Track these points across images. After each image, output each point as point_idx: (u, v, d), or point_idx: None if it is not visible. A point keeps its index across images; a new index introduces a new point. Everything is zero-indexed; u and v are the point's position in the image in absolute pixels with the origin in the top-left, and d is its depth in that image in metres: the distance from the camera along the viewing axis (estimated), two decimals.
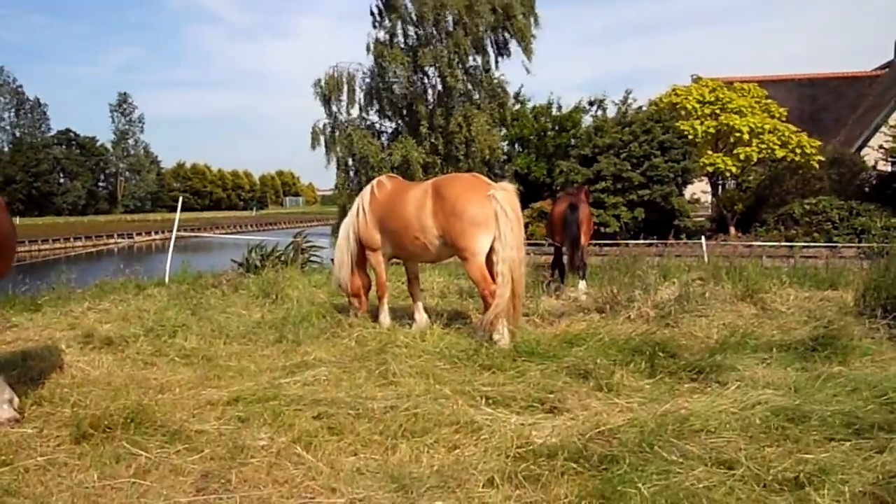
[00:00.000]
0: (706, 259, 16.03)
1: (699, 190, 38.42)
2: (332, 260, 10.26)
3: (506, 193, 8.37)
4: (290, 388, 6.58)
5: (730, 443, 4.88)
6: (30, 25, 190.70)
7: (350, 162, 42.14)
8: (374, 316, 9.80)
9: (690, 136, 32.84)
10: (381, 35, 42.50)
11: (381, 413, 5.68)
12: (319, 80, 42.08)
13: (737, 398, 5.81)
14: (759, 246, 23.93)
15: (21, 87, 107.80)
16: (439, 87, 40.98)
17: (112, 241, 58.76)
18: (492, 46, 42.67)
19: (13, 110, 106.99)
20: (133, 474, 4.75)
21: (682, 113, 33.80)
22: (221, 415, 5.89)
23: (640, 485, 4.12)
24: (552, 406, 5.95)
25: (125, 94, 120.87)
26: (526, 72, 43.97)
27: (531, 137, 42.20)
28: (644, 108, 36.10)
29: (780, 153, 32.04)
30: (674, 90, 35.20)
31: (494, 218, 8.20)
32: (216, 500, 4.38)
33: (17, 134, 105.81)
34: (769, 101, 34.69)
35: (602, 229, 31.67)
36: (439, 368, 7.10)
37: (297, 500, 4.39)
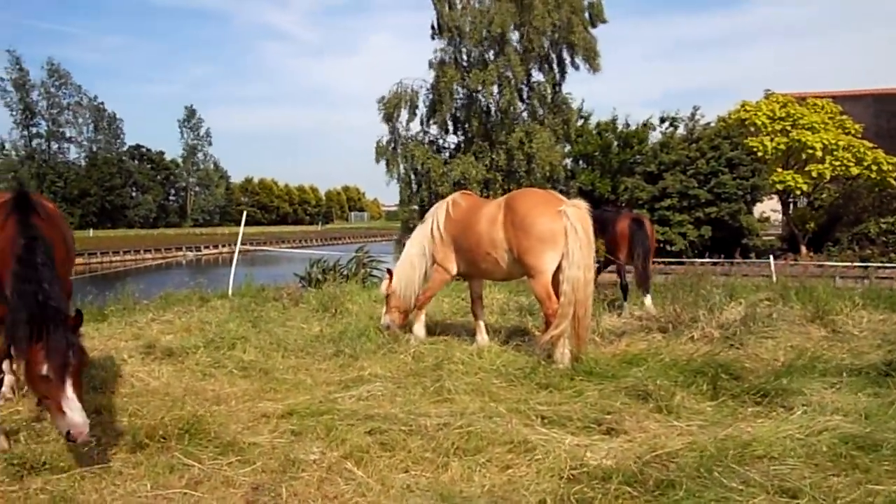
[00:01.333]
0: (774, 279, 15.60)
1: (769, 208, 37.52)
2: (388, 272, 10.10)
3: (577, 211, 8.20)
4: (345, 403, 6.58)
5: (794, 470, 4.68)
6: (107, 46, 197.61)
7: (413, 177, 42.36)
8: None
9: (760, 153, 32.16)
10: (441, 52, 42.77)
11: (434, 430, 5.62)
12: (384, 97, 42.54)
13: (803, 424, 5.57)
14: (832, 266, 23.22)
15: (102, 103, 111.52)
16: (500, 102, 40.89)
17: (180, 253, 60.14)
18: (555, 62, 42.45)
19: (92, 126, 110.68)
20: (185, 485, 4.79)
21: (752, 129, 33.13)
22: (275, 428, 5.92)
23: None
24: (609, 427, 5.81)
25: (192, 108, 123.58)
26: (590, 86, 43.69)
27: (595, 154, 41.85)
28: (712, 125, 35.48)
29: (854, 170, 31.15)
30: (743, 106, 34.56)
31: (563, 235, 8.05)
32: None
33: (94, 149, 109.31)
34: (843, 116, 33.77)
35: (667, 247, 31.16)
36: (495, 386, 7.03)
37: None
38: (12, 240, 5.21)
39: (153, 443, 5.41)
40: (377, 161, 42.62)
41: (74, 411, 4.73)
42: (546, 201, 8.48)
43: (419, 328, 9.50)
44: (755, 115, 33.06)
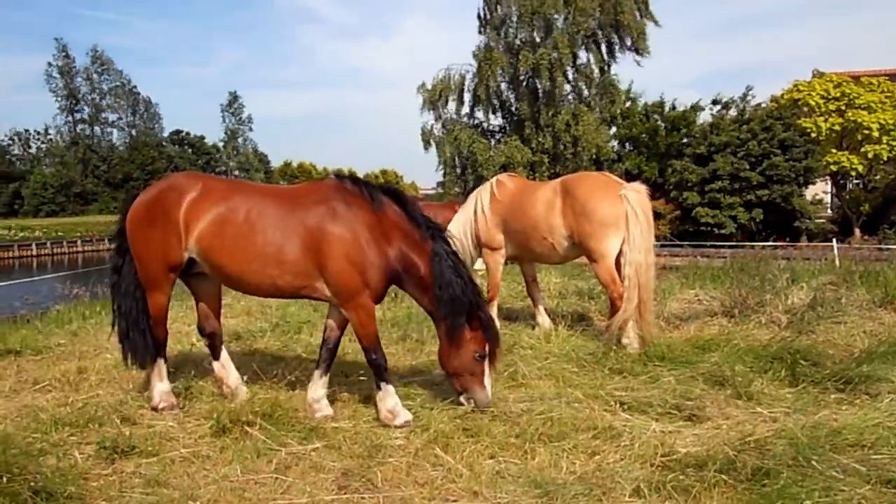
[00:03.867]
0: (837, 262, 15.27)
1: (820, 190, 36.79)
2: None
3: (638, 195, 8.11)
4: (420, 388, 6.58)
5: (894, 460, 4.55)
6: (146, 31, 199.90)
7: (457, 160, 42.32)
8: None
9: (813, 134, 31.46)
10: (487, 36, 42.58)
11: (515, 416, 5.60)
12: (424, 84, 42.67)
13: (892, 411, 5.45)
14: (888, 249, 22.65)
15: (136, 87, 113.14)
16: (547, 85, 40.55)
17: None
18: (603, 43, 41.95)
19: (130, 110, 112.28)
20: (275, 470, 4.83)
21: (805, 109, 32.41)
22: (354, 413, 5.95)
23: (806, 501, 3.89)
24: (691, 413, 5.73)
25: (235, 93, 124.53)
26: (637, 66, 43.23)
27: (642, 136, 41.36)
28: (763, 105, 34.80)
29: None
30: (796, 86, 33.82)
31: (625, 219, 7.97)
32: (359, 498, 4.38)
33: (134, 133, 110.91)
34: None
35: (716, 230, 30.76)
36: (568, 371, 6.96)
37: (439, 501, 4.36)
38: (416, 227, 5.79)
39: (237, 427, 5.46)
40: (425, 148, 42.77)
41: (489, 387, 5.74)
42: (606, 185, 8.38)
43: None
44: (808, 95, 32.33)
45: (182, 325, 10.23)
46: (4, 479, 4.17)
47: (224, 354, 6.49)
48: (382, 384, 5.73)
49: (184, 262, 5.98)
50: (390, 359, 7.83)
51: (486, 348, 5.72)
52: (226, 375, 6.41)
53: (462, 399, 5.79)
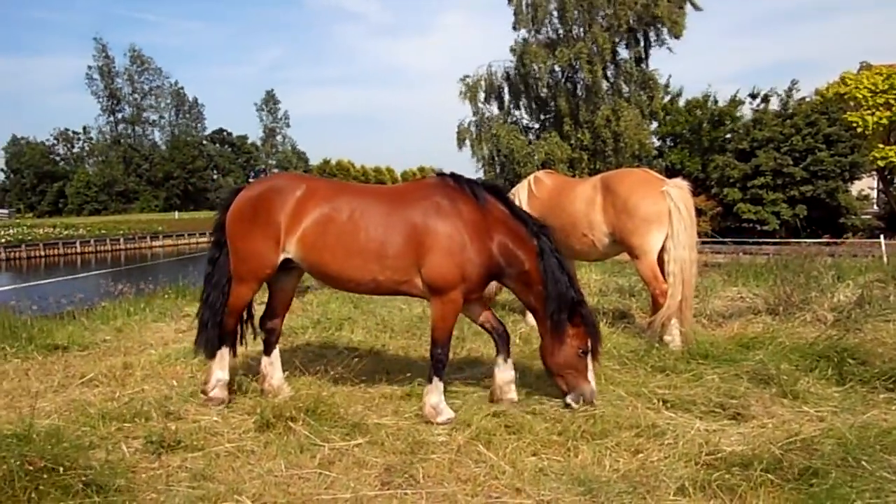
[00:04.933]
0: (885, 259, 14.96)
1: (866, 186, 36.01)
2: None
3: (680, 191, 8.05)
4: (461, 385, 6.59)
5: None
6: (187, 30, 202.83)
7: (496, 157, 42.17)
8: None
9: (860, 129, 30.79)
10: (524, 32, 42.41)
11: (557, 414, 5.58)
12: (465, 77, 42.52)
13: None
14: None
15: (182, 88, 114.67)
16: (587, 81, 40.22)
17: None
18: (642, 37, 41.47)
19: (173, 110, 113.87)
20: (318, 465, 4.86)
21: (851, 103, 31.71)
22: (397, 409, 5.96)
23: (856, 502, 3.81)
24: (735, 412, 5.66)
25: (272, 91, 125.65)
26: (676, 60, 42.75)
27: (684, 132, 40.85)
28: (808, 99, 34.15)
29: None
30: (842, 79, 33.11)
31: (668, 215, 7.90)
32: (402, 494, 4.39)
33: (175, 132, 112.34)
34: None
35: (758, 227, 30.31)
36: (609, 369, 6.91)
37: (482, 498, 4.34)
38: (522, 225, 5.94)
39: (280, 422, 5.50)
40: (459, 146, 42.66)
41: (593, 381, 5.84)
42: (647, 182, 8.31)
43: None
44: (856, 88, 31.63)
45: None
46: (57, 472, 4.25)
47: (275, 352, 6.55)
48: (435, 379, 5.79)
49: (278, 263, 6.07)
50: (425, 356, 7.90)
51: (589, 344, 5.83)
52: (271, 373, 6.47)
53: (569, 400, 5.81)
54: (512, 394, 6.04)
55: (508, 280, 6.01)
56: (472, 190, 5.93)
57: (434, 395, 5.74)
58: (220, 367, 6.30)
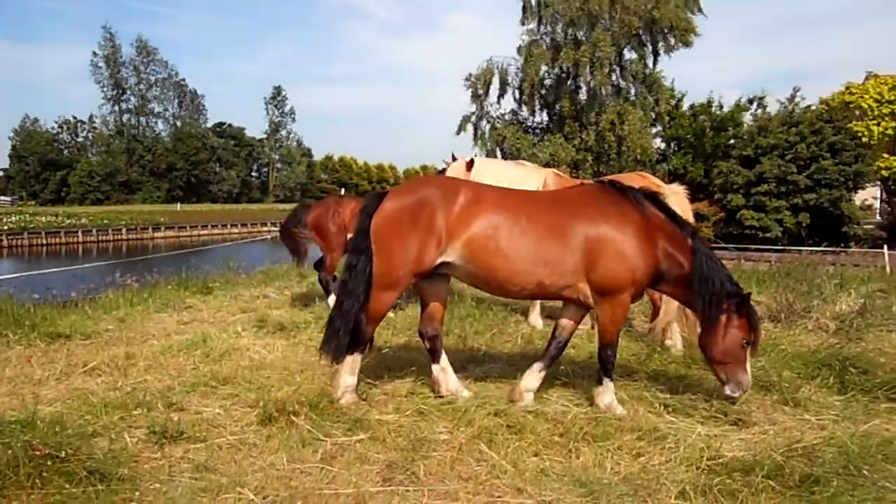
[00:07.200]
0: (888, 269, 14.96)
1: (870, 196, 36.02)
2: None
3: (676, 196, 8.03)
4: (463, 383, 6.58)
5: None
6: (195, 24, 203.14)
7: (499, 155, 42.19)
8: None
9: (865, 138, 30.78)
10: (530, 33, 42.44)
11: (559, 415, 5.59)
12: (471, 74, 42.55)
13: None
14: None
15: (184, 80, 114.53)
16: (591, 83, 40.23)
17: (265, 229, 61.12)
18: (648, 40, 41.45)
19: (176, 101, 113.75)
20: (320, 459, 4.87)
21: (857, 113, 31.70)
22: (399, 406, 5.96)
23: None
24: (737, 418, 5.69)
25: (279, 87, 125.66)
26: (683, 66, 42.78)
27: (688, 137, 40.84)
28: (813, 107, 34.13)
29: None
30: (847, 88, 33.10)
31: None
32: (403, 491, 4.40)
33: (179, 124, 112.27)
34: None
35: (761, 234, 30.32)
36: None
37: (483, 497, 4.36)
38: (678, 227, 6.07)
39: (282, 416, 5.51)
40: (458, 132, 42.84)
41: (749, 372, 5.96)
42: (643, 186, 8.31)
43: (535, 318, 9.49)
44: (861, 97, 31.63)
45: (225, 314, 10.38)
46: (60, 460, 4.26)
47: (444, 358, 6.40)
48: (605, 380, 5.92)
49: (434, 266, 5.98)
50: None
51: (753, 336, 5.92)
52: (444, 379, 6.33)
53: (728, 391, 5.92)
54: (526, 402, 6.01)
55: (665, 283, 6.14)
56: (633, 196, 6.02)
57: (606, 394, 5.89)
58: (350, 373, 6.15)
